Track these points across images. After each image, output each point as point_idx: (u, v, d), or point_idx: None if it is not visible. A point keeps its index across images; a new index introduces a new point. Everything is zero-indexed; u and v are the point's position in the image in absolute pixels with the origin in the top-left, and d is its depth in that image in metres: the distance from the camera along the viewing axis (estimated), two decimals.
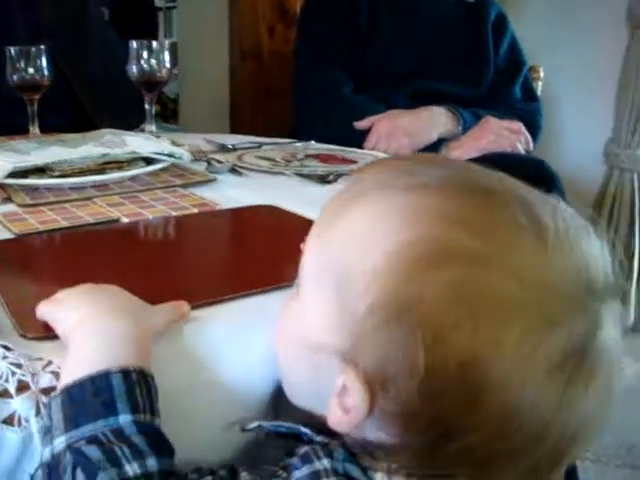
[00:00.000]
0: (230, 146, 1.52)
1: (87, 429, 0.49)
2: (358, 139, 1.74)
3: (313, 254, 0.54)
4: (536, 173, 1.50)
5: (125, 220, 0.96)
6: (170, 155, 1.22)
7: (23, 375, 0.55)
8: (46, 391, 0.54)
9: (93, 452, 0.48)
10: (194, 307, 0.65)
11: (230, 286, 0.72)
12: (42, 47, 1.48)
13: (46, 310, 0.61)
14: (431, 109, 1.79)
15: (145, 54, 1.50)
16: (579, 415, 0.46)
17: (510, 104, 1.93)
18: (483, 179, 0.51)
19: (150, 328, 0.59)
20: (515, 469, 0.47)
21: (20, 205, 1.04)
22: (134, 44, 1.50)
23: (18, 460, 0.53)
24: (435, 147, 1.73)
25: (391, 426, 0.48)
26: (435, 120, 1.78)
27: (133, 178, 1.18)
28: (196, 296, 0.67)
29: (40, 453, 0.51)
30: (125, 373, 0.52)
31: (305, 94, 1.94)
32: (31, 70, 1.47)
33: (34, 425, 0.53)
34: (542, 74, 2.20)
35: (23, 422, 0.53)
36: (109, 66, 1.70)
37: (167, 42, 1.53)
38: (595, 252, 0.48)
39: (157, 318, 0.61)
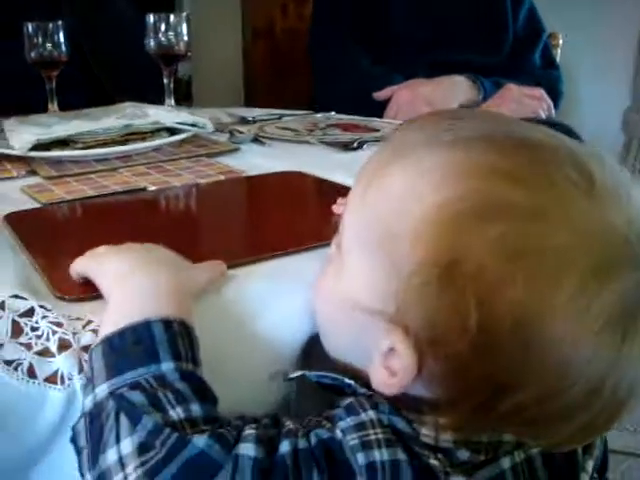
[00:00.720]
0: (250, 118, 1.51)
1: (129, 376, 0.48)
2: (378, 109, 1.72)
3: (354, 214, 0.53)
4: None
5: (152, 188, 0.95)
6: (193, 125, 1.21)
7: (64, 334, 0.55)
8: (88, 349, 0.53)
9: (136, 397, 0.47)
10: (232, 266, 0.65)
11: (266, 246, 0.71)
12: (60, 23, 1.46)
13: (85, 264, 0.61)
14: (452, 78, 1.77)
15: (163, 27, 1.48)
16: (635, 366, 0.45)
17: (530, 72, 1.90)
18: (529, 132, 0.49)
19: (189, 282, 0.58)
20: (570, 425, 0.46)
21: (45, 177, 1.03)
22: (151, 17, 1.48)
23: (62, 418, 0.52)
24: None
25: (440, 386, 0.47)
26: (456, 89, 1.76)
27: (157, 149, 1.17)
28: (233, 256, 0.67)
29: (83, 404, 0.50)
30: (166, 323, 0.51)
31: (323, 67, 1.92)
32: (49, 46, 1.45)
33: (77, 383, 0.52)
34: (561, 41, 2.16)
35: (66, 380, 0.53)
36: (127, 40, 1.68)
37: (184, 15, 1.51)
38: None
39: (197, 274, 0.60)
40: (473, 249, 0.43)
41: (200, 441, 0.45)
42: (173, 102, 1.54)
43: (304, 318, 0.61)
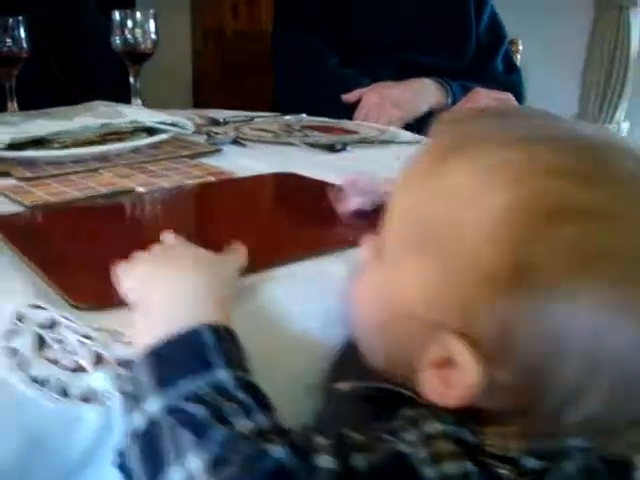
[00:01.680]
0: (221, 120, 1.47)
1: (184, 387, 0.45)
2: (346, 111, 1.69)
3: (403, 215, 0.49)
4: None
5: (140, 189, 0.91)
6: (173, 125, 1.16)
7: (95, 346, 0.50)
8: (123, 363, 0.49)
9: (197, 410, 0.43)
10: (256, 270, 0.62)
11: (283, 250, 0.68)
12: (20, 18, 1.40)
13: (121, 277, 0.56)
14: (420, 81, 1.76)
15: (129, 25, 1.43)
16: None
17: (494, 77, 1.90)
18: (579, 129, 0.47)
19: (219, 280, 0.55)
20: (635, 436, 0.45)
21: (19, 179, 0.97)
22: (117, 15, 1.43)
23: (99, 438, 0.48)
24: (424, 119, 1.70)
25: (505, 397, 0.44)
26: (424, 92, 1.75)
27: (135, 150, 1.12)
28: (255, 260, 0.62)
29: (126, 423, 0.46)
30: (214, 329, 0.48)
31: (288, 67, 1.89)
32: (9, 42, 1.39)
33: (115, 399, 0.48)
34: (521, 47, 2.18)
35: (102, 397, 0.48)
36: (88, 39, 1.63)
37: (152, 12, 1.46)
38: None
39: (223, 267, 0.58)
40: (546, 253, 0.41)
41: (277, 452, 0.41)
42: (139, 102, 1.49)
43: (335, 325, 0.58)
